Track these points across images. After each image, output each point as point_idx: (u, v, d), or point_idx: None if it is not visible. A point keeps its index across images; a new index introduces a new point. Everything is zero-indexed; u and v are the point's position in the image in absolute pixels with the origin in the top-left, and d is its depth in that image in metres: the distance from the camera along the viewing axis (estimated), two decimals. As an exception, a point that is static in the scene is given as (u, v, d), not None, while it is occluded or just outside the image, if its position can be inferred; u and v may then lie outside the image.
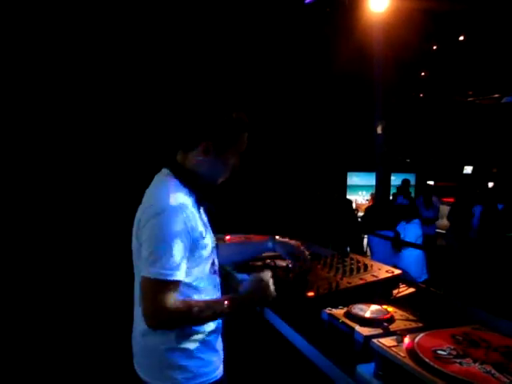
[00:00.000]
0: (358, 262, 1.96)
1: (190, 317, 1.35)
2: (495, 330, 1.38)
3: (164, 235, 1.32)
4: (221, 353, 1.56)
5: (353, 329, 1.41)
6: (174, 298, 1.32)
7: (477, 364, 1.13)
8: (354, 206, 8.59)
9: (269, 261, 2.05)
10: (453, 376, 1.07)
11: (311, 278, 1.81)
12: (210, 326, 1.48)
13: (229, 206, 1.52)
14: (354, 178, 10.40)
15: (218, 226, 1.62)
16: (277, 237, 1.89)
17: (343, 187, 10.00)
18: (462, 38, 8.65)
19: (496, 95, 12.08)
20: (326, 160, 7.59)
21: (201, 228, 1.44)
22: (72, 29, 4.06)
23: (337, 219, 5.90)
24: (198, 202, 1.48)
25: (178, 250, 1.33)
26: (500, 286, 3.98)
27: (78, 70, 4.17)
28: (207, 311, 1.37)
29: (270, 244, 1.87)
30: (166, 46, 4.50)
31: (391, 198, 8.18)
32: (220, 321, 1.55)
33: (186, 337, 1.42)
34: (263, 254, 2.17)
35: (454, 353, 1.19)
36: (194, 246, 1.40)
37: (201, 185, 1.50)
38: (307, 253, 1.84)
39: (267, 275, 1.53)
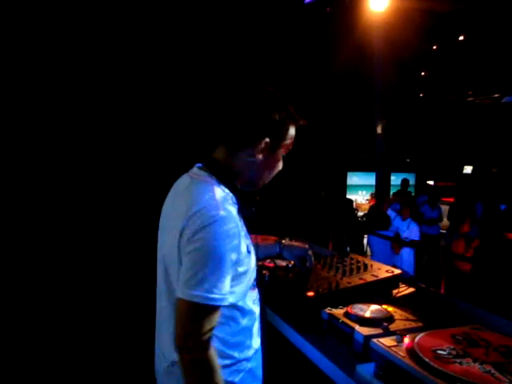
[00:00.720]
0: (358, 261, 1.96)
1: (210, 369, 1.13)
2: (495, 329, 1.39)
3: (214, 251, 1.12)
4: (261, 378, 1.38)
5: (353, 329, 1.41)
6: (212, 326, 1.14)
7: (477, 364, 1.13)
8: (354, 205, 8.61)
9: (268, 260, 2.05)
10: (453, 376, 1.07)
11: (311, 277, 1.81)
12: (252, 350, 1.32)
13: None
14: (354, 178, 10.40)
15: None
16: (283, 240, 1.82)
17: (343, 187, 10.01)
18: (461, 37, 8.66)
19: (496, 95, 12.09)
20: (326, 160, 7.60)
21: (246, 240, 1.26)
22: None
23: (337, 219, 5.91)
24: (241, 211, 1.27)
25: (228, 269, 1.14)
26: (500, 285, 3.98)
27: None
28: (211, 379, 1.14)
29: (277, 249, 1.79)
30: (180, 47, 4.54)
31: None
32: (259, 341, 1.37)
33: (231, 367, 1.25)
34: None
35: (454, 353, 1.19)
36: (240, 262, 1.20)
37: (245, 188, 1.31)
38: (313, 257, 1.82)
39: None
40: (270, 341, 1.82)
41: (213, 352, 1.15)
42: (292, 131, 1.32)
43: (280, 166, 1.36)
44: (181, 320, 1.14)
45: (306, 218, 5.53)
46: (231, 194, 1.25)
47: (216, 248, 1.12)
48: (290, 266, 1.95)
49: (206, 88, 4.21)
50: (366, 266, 1.91)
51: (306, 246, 1.82)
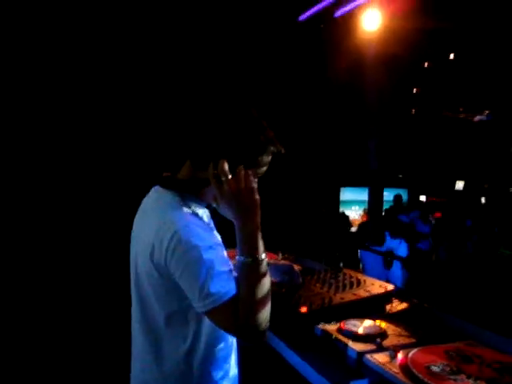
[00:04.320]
0: (351, 277, 1.96)
1: (256, 301, 1.15)
2: (488, 345, 1.38)
3: (198, 257, 1.11)
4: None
5: (346, 344, 1.40)
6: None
7: (470, 380, 1.13)
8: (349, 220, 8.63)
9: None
10: (446, 392, 1.06)
11: (304, 293, 1.80)
12: (231, 362, 1.32)
13: (221, 218, 1.41)
14: (346, 193, 10.43)
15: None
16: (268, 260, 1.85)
17: (336, 202, 10.03)
18: (452, 56, 8.81)
19: (486, 111, 12.26)
20: (319, 175, 7.62)
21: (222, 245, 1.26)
22: (73, 31, 4.09)
23: (330, 234, 5.91)
24: (215, 216, 1.30)
25: (217, 265, 1.13)
26: (493, 301, 3.99)
27: (76, 72, 4.20)
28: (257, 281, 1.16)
29: None
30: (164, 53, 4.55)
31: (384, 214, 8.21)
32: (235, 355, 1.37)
33: (205, 373, 1.25)
34: None
35: (448, 369, 1.19)
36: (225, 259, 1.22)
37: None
38: (297, 272, 1.83)
39: None
40: (262, 357, 1.80)
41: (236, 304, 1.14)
42: (266, 159, 1.24)
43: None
44: (223, 324, 1.14)
45: (299, 232, 5.52)
46: (197, 208, 1.24)
47: (197, 253, 1.11)
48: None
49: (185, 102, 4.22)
50: (359, 281, 1.91)
51: (289, 262, 1.84)
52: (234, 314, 1.12)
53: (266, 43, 5.09)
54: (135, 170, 4.11)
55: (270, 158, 1.25)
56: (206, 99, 1.33)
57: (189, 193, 1.25)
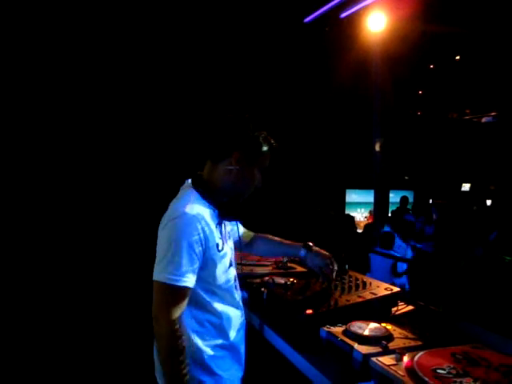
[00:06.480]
0: (357, 279, 1.95)
1: (172, 349, 1.34)
2: (496, 348, 1.37)
3: (176, 240, 1.33)
4: (240, 367, 1.57)
5: (351, 347, 1.40)
6: (181, 306, 1.35)
7: (477, 383, 1.12)
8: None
9: (267, 278, 2.04)
10: (453, 395, 1.05)
11: (309, 294, 1.79)
12: (231, 338, 1.50)
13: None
14: (352, 195, 10.40)
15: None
16: (311, 245, 1.82)
17: (342, 204, 10.00)
18: (458, 57, 8.77)
19: (493, 113, 12.19)
20: (325, 177, 7.61)
21: (217, 240, 1.45)
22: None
23: (336, 236, 5.88)
24: (220, 217, 1.49)
25: (190, 255, 1.34)
26: (500, 303, 3.95)
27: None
28: (177, 364, 1.34)
29: (302, 252, 1.81)
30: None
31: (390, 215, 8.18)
32: (240, 335, 1.56)
33: (207, 352, 1.44)
34: (261, 271, 2.23)
35: (454, 372, 1.18)
36: (208, 257, 1.41)
37: (224, 199, 1.50)
38: (334, 272, 1.80)
39: None
40: (268, 359, 1.80)
41: (181, 344, 1.34)
42: (265, 149, 1.53)
43: (257, 181, 1.55)
44: (154, 300, 1.35)
45: (305, 234, 5.51)
46: (205, 201, 1.46)
47: (177, 236, 1.33)
48: (288, 283, 1.94)
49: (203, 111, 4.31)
50: (364, 283, 1.90)
51: (330, 257, 1.79)
52: (167, 301, 1.33)
53: (274, 46, 5.11)
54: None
55: (267, 149, 1.54)
56: (216, 114, 1.62)
57: (209, 189, 1.49)
